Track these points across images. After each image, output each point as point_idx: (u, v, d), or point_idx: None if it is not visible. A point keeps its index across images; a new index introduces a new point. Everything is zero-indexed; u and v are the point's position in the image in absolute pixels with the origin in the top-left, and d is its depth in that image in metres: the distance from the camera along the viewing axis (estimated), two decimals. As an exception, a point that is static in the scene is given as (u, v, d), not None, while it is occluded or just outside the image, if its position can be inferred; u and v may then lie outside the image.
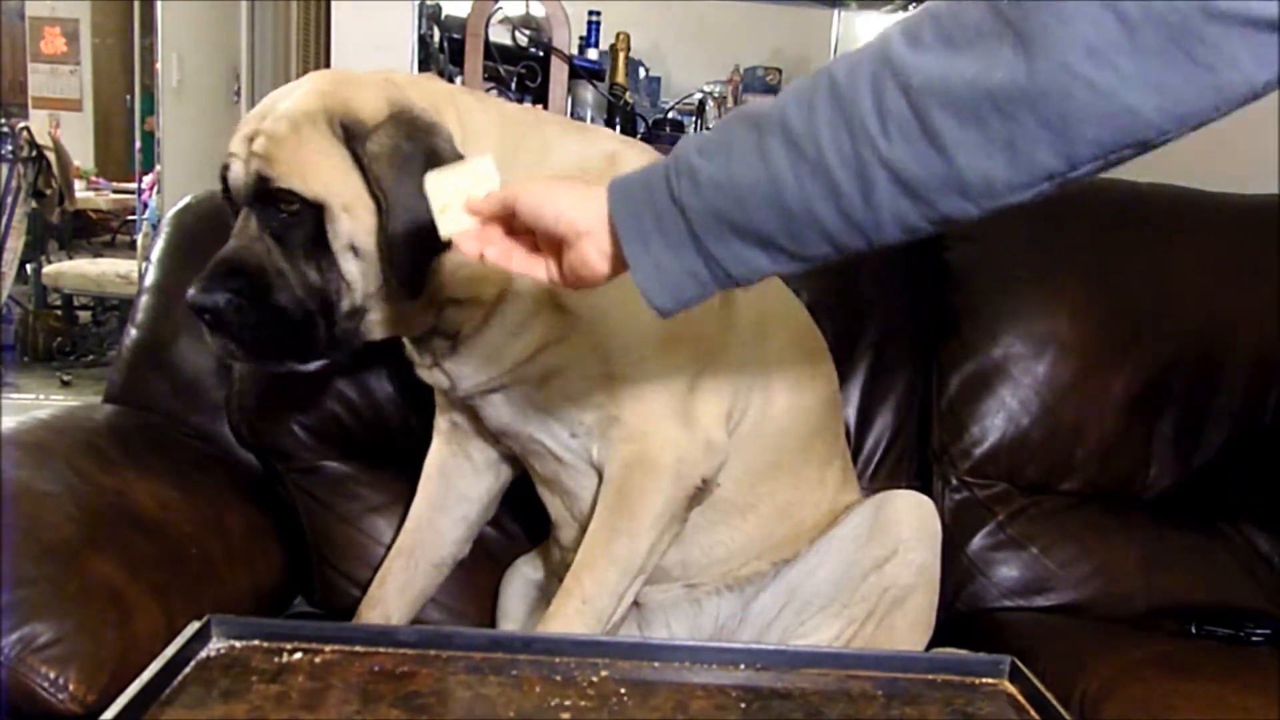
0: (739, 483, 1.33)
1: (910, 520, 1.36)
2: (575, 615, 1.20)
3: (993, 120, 0.73)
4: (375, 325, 1.18)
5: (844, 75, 0.79)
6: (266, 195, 1.11)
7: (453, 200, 0.93)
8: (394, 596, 1.40)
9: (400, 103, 1.12)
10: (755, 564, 1.38)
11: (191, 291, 1.11)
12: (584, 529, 1.29)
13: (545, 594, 1.45)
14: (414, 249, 1.09)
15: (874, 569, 1.33)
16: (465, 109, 1.18)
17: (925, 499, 1.39)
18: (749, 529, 1.36)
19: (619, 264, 0.88)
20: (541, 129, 1.23)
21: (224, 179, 1.16)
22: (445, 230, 0.94)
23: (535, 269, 0.94)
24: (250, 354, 1.15)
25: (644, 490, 1.22)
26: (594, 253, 0.89)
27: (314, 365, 1.17)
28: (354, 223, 1.10)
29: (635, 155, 1.23)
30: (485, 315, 1.20)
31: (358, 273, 1.13)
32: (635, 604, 1.33)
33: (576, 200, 0.90)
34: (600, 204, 0.88)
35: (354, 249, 1.11)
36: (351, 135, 1.09)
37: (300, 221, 1.10)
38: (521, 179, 0.97)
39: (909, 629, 1.33)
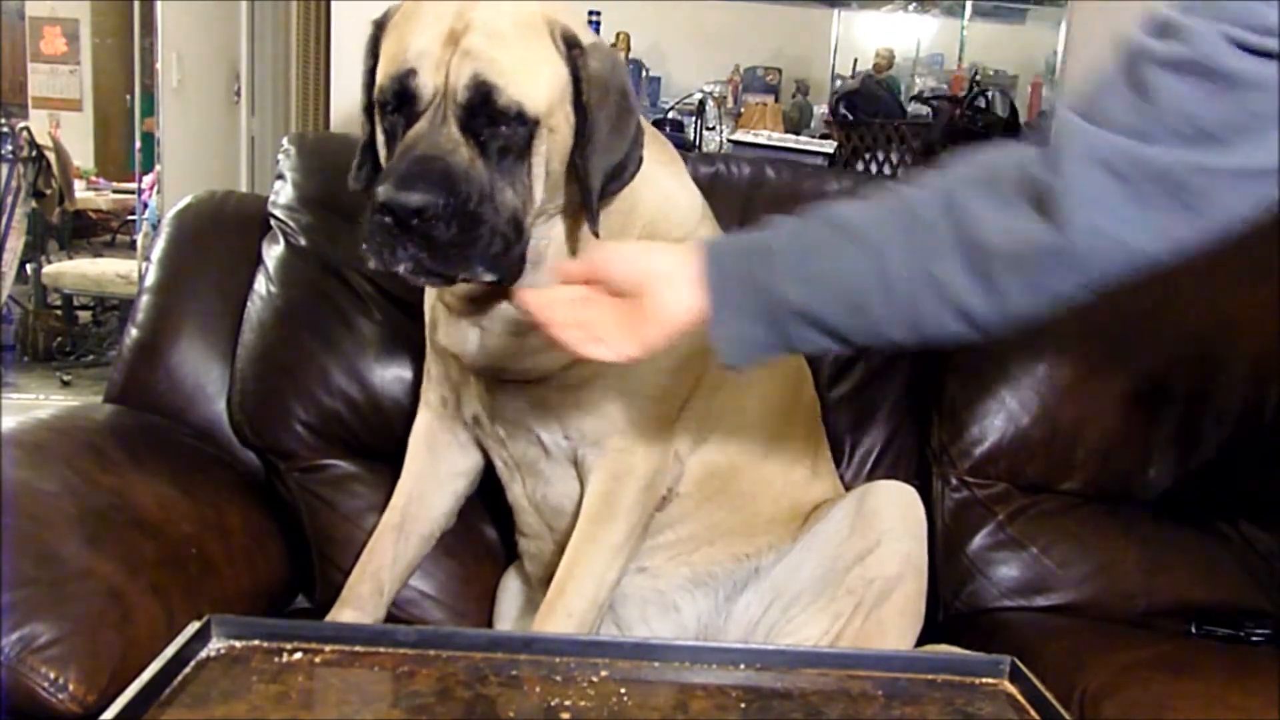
0: (698, 481, 1.35)
1: (893, 510, 1.36)
2: (562, 628, 1.22)
3: (1029, 267, 0.88)
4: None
5: (921, 206, 0.92)
6: (481, 103, 1.01)
7: None
8: (386, 569, 1.40)
9: (596, 37, 1.11)
10: (708, 550, 1.38)
11: (389, 188, 0.99)
12: (541, 513, 1.34)
13: (533, 599, 1.46)
14: (604, 182, 1.08)
15: (858, 561, 1.33)
16: None
17: (908, 488, 1.40)
18: (700, 516, 1.37)
19: (697, 317, 0.97)
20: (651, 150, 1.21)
21: (402, 80, 1.03)
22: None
23: (596, 349, 0.98)
24: (436, 259, 1.03)
25: (627, 502, 1.25)
26: (674, 302, 0.96)
27: (488, 278, 1.09)
28: (555, 142, 1.06)
29: (711, 227, 1.31)
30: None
31: (542, 193, 1.09)
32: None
33: (664, 257, 0.99)
34: (686, 262, 0.97)
35: (547, 170, 1.07)
36: (572, 47, 1.05)
37: (511, 134, 1.03)
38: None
39: (898, 619, 1.33)
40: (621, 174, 1.11)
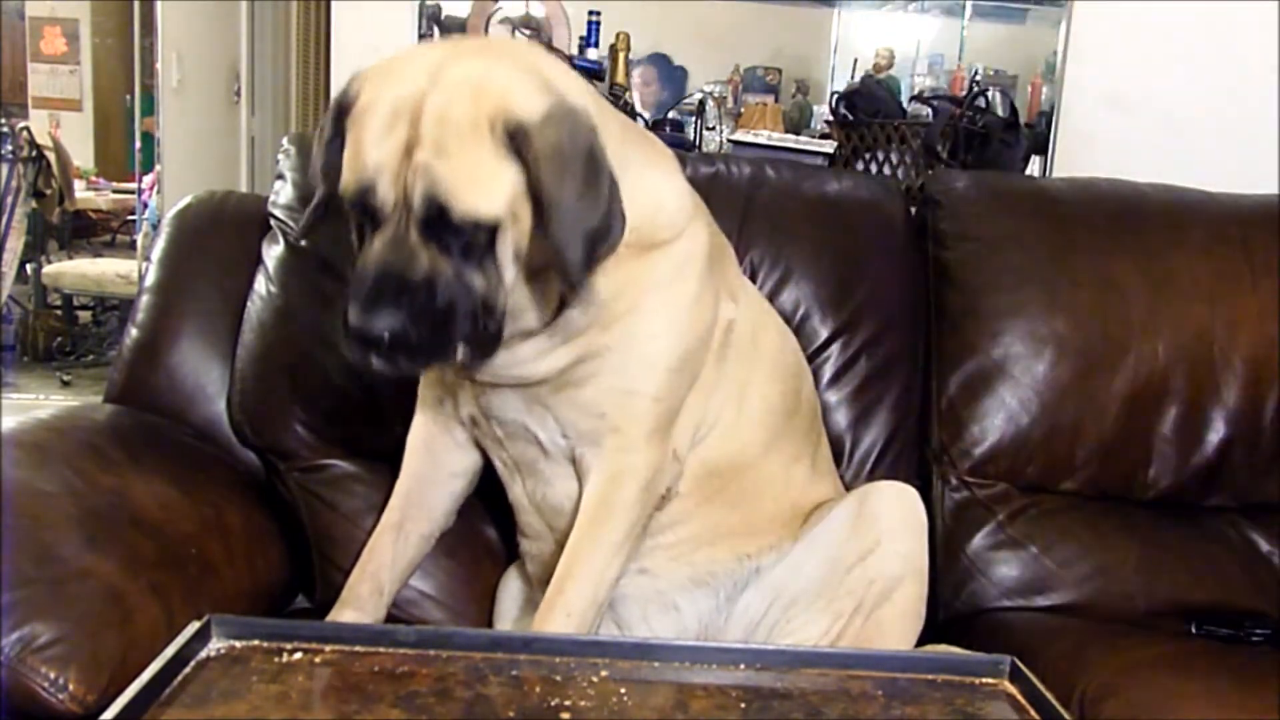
0: (697, 480, 1.35)
1: (893, 510, 1.36)
2: (561, 628, 1.21)
3: None
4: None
5: None
6: (440, 217, 1.04)
7: None
8: (385, 569, 1.39)
9: (554, 94, 1.07)
10: (709, 550, 1.38)
11: (357, 317, 1.03)
12: (541, 513, 1.34)
13: (533, 598, 1.46)
14: (587, 250, 1.06)
15: (858, 561, 1.33)
16: (600, 108, 1.17)
17: (909, 489, 1.39)
18: (700, 515, 1.37)
19: None
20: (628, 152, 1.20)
21: (362, 195, 1.06)
22: None
23: None
24: (415, 360, 1.09)
25: (626, 502, 1.25)
26: None
27: (473, 364, 1.14)
28: (519, 230, 1.07)
29: (703, 225, 1.30)
30: (545, 324, 1.20)
31: (513, 274, 1.10)
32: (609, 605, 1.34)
33: None
34: None
35: (516, 254, 1.08)
36: (516, 139, 1.04)
37: (472, 238, 1.05)
38: None
39: (898, 620, 1.33)
40: (607, 235, 1.09)
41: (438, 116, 1.03)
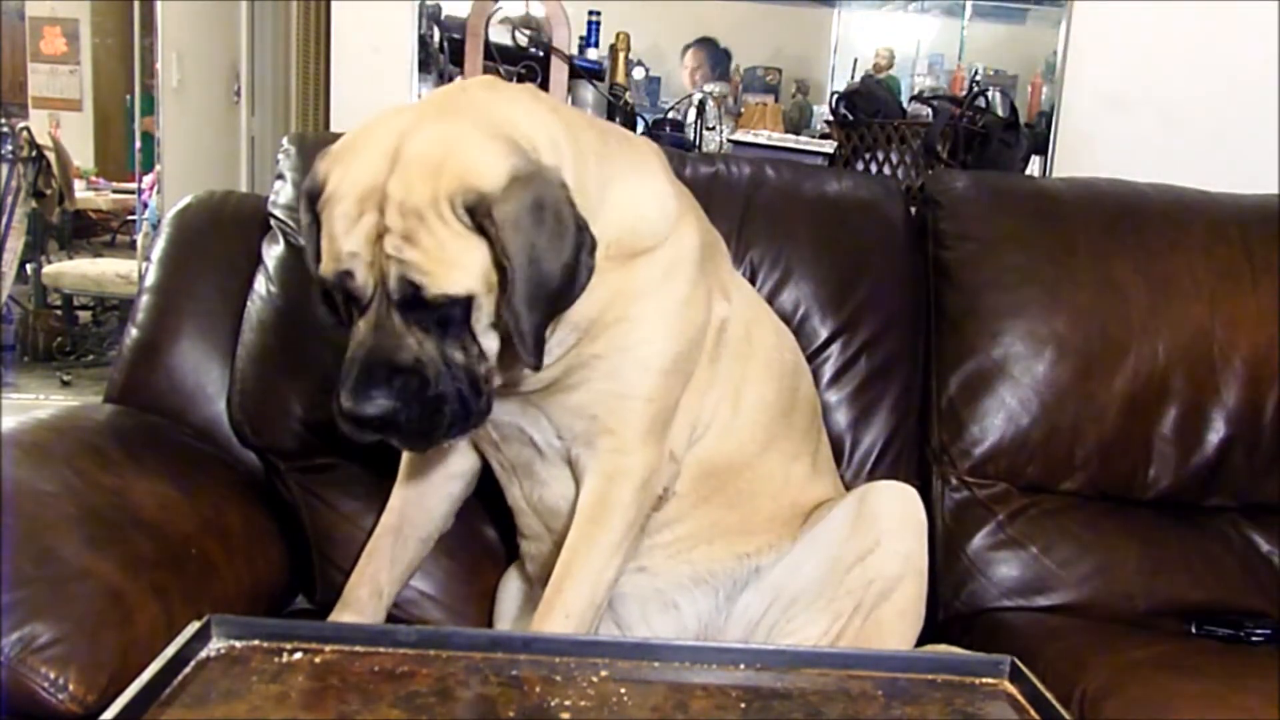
0: (695, 480, 1.35)
1: (893, 510, 1.36)
2: (560, 629, 1.22)
3: None
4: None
5: None
6: (416, 297, 1.06)
7: None
8: (384, 572, 1.40)
9: (517, 154, 1.07)
10: (707, 549, 1.38)
11: (348, 402, 1.07)
12: (539, 514, 1.35)
13: (532, 598, 1.46)
14: (544, 312, 1.08)
15: (858, 561, 1.33)
16: (575, 134, 1.18)
17: (909, 489, 1.40)
18: (698, 514, 1.37)
19: None
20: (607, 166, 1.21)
21: (341, 283, 1.09)
22: None
23: None
24: (407, 443, 1.15)
25: (622, 502, 1.26)
26: None
27: (461, 439, 1.20)
28: (491, 300, 1.09)
29: (692, 225, 1.30)
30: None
31: (495, 345, 1.12)
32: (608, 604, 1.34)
33: None
34: None
35: (493, 324, 1.10)
36: (477, 214, 1.05)
37: (449, 314, 1.08)
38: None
39: (898, 620, 1.33)
40: (569, 291, 1.10)
41: (399, 203, 1.04)
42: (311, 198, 1.12)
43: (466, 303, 1.07)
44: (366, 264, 1.06)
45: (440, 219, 1.04)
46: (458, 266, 1.05)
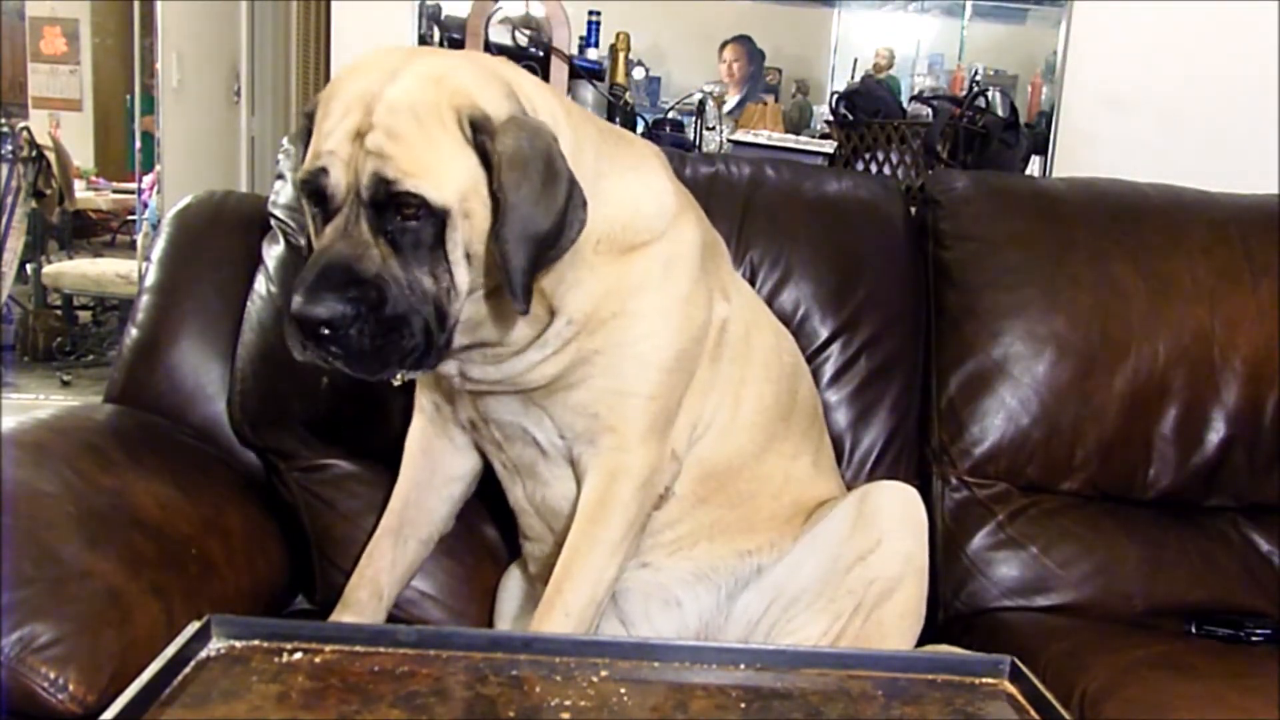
0: (694, 481, 1.35)
1: (893, 510, 1.36)
2: (560, 628, 1.22)
3: None
4: (457, 333, 1.13)
5: None
6: (387, 200, 1.03)
7: None
8: (384, 573, 1.40)
9: (516, 104, 1.07)
10: (708, 546, 1.38)
11: (299, 300, 1.01)
12: (541, 515, 1.35)
13: (533, 597, 1.46)
14: (531, 256, 1.05)
15: (858, 561, 1.33)
16: (575, 118, 1.17)
17: (909, 488, 1.40)
18: (698, 514, 1.37)
19: None
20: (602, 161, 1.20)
21: (315, 180, 1.05)
22: None
23: None
24: (355, 365, 1.06)
25: (623, 500, 1.26)
26: None
27: (414, 374, 1.12)
28: (472, 228, 1.05)
29: (691, 223, 1.29)
30: (536, 335, 1.20)
31: (466, 278, 1.08)
32: (611, 599, 1.35)
33: None
34: None
35: (468, 255, 1.07)
36: (480, 132, 1.03)
37: (420, 227, 1.04)
38: None
39: (898, 620, 1.33)
40: (557, 239, 1.08)
41: (392, 104, 1.03)
42: (309, 114, 1.11)
43: (440, 220, 1.04)
44: (343, 162, 1.04)
45: (440, 124, 1.03)
46: (439, 174, 1.03)
